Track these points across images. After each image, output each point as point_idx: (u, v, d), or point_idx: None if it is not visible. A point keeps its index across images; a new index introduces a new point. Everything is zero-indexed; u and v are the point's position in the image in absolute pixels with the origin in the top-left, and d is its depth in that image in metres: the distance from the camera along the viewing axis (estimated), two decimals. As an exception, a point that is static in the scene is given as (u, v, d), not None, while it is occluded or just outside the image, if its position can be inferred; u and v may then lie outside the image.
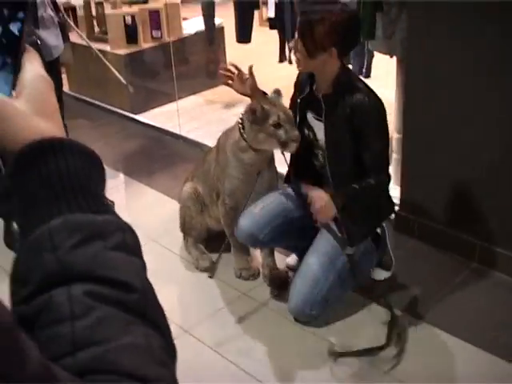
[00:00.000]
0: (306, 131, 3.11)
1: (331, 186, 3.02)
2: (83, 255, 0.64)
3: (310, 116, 3.08)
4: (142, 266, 0.69)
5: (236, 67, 3.21)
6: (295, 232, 3.27)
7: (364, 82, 3.01)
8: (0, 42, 0.79)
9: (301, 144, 3.00)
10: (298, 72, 3.14)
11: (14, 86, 0.77)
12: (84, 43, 5.49)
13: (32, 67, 0.78)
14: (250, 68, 3.15)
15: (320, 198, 2.88)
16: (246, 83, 3.17)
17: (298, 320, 3.10)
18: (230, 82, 3.23)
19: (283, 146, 2.99)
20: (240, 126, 3.15)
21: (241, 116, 3.15)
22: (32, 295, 0.62)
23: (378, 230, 3.31)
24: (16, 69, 0.78)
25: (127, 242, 0.69)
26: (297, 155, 3.14)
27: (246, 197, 3.28)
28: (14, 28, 0.80)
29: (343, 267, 3.06)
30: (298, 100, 3.11)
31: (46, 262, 0.63)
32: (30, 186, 0.69)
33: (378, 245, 3.29)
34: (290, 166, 3.28)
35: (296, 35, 2.94)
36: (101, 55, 4.94)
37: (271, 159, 3.31)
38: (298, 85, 3.19)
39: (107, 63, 4.86)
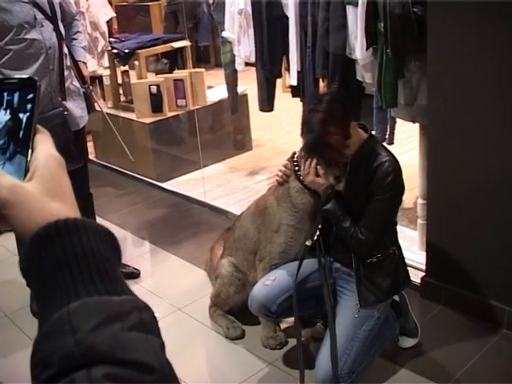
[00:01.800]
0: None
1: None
2: (102, 338, 0.64)
3: None
4: (160, 345, 0.69)
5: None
6: (312, 301, 3.25)
7: (387, 149, 3.05)
8: (11, 128, 0.82)
9: None
10: None
11: (27, 169, 0.78)
12: (110, 112, 5.60)
13: (43, 148, 0.80)
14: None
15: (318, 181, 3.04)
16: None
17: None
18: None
19: (337, 180, 3.03)
20: (295, 169, 3.21)
21: (295, 162, 3.21)
22: (53, 379, 0.62)
23: (397, 298, 3.32)
24: (28, 151, 0.79)
25: (144, 321, 0.69)
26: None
27: (295, 252, 3.31)
28: (25, 111, 0.82)
29: (366, 338, 3.04)
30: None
31: (66, 346, 0.64)
32: (46, 268, 0.70)
33: (398, 312, 3.29)
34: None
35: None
36: (114, 128, 5.01)
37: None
38: None
39: (118, 136, 4.93)
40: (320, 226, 3.13)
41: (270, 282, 3.20)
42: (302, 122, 3.00)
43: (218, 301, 3.70)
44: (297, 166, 3.20)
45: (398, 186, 2.99)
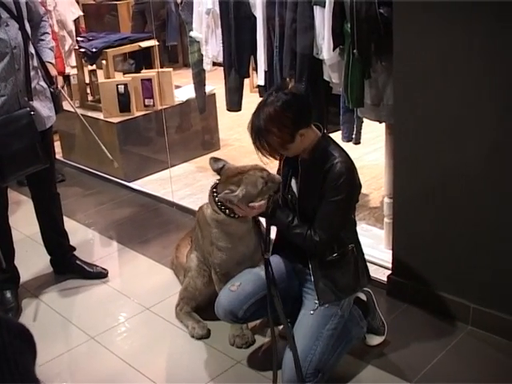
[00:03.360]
0: (290, 197, 3.14)
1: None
2: None
3: (293, 182, 3.12)
4: None
5: None
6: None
7: (340, 149, 3.01)
8: None
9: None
10: None
11: None
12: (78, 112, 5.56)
13: None
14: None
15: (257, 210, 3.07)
16: None
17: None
18: None
19: (276, 192, 3.07)
20: (217, 203, 3.24)
21: (214, 194, 3.23)
22: None
23: (364, 298, 3.35)
24: None
25: None
26: None
27: (237, 262, 3.35)
28: None
29: (330, 337, 3.05)
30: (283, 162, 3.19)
31: None
32: None
33: (366, 311, 3.32)
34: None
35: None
36: (90, 128, 4.97)
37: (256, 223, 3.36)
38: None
39: (96, 137, 4.88)
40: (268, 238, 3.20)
41: (236, 288, 3.19)
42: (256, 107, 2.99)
43: (185, 294, 3.69)
44: (219, 201, 3.21)
45: (352, 187, 2.96)
